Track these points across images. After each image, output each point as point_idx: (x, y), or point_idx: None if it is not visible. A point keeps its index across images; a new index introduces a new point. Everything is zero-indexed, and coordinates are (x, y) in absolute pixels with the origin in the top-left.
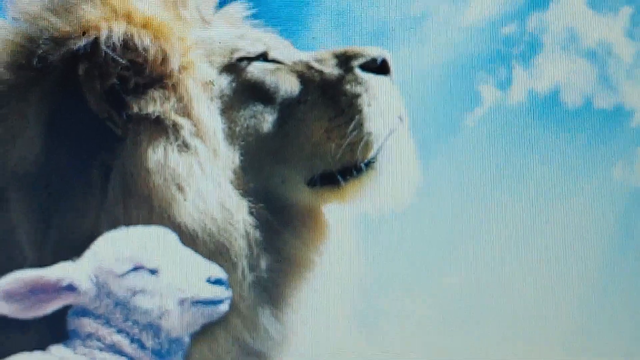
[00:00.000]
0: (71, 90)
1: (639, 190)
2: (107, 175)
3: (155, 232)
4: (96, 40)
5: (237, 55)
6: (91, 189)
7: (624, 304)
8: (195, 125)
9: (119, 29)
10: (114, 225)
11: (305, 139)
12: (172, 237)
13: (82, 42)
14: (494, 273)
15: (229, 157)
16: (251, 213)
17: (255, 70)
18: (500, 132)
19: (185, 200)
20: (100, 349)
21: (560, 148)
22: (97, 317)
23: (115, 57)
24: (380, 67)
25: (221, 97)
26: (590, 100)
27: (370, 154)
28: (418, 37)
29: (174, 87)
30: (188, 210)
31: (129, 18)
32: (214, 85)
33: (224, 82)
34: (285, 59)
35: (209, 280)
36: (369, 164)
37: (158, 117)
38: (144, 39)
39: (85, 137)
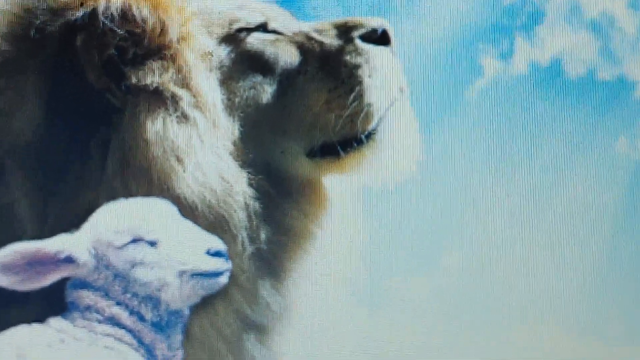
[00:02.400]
0: (69, 61)
1: None
2: (105, 147)
3: (154, 204)
4: (94, 11)
5: (236, 26)
6: (90, 161)
7: (628, 281)
8: (194, 97)
9: (116, 0)
10: (113, 197)
11: (305, 110)
12: (171, 209)
13: (80, 12)
14: (496, 249)
15: (228, 129)
16: (251, 184)
17: (255, 41)
18: (502, 103)
19: (184, 171)
20: (99, 321)
21: (563, 120)
22: (96, 289)
23: (113, 27)
24: (380, 38)
25: (220, 68)
26: (592, 72)
27: (371, 126)
28: (419, 8)
29: (173, 58)
30: (187, 182)
31: None
32: (212, 56)
33: (223, 53)
34: (285, 29)
35: (208, 252)
36: (369, 136)
37: (157, 88)
38: (142, 10)
39: (84, 108)
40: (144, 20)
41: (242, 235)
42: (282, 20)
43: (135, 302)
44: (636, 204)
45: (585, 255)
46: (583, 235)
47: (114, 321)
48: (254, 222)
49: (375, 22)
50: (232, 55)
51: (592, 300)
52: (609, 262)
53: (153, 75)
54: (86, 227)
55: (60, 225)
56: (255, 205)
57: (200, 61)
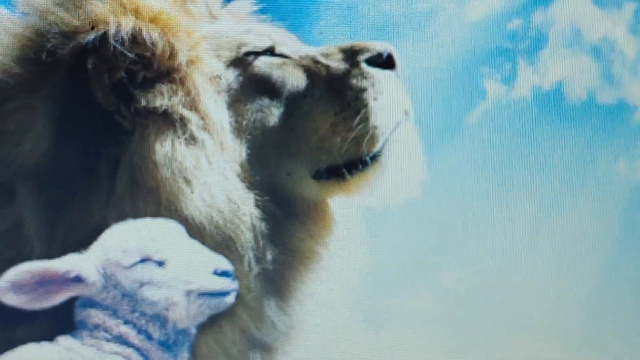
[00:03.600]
0: (80, 84)
1: None
2: (115, 168)
3: (162, 224)
4: (105, 35)
5: (244, 50)
6: (99, 182)
7: (626, 299)
8: (202, 119)
9: (127, 24)
10: (121, 217)
11: (311, 133)
12: (179, 229)
13: (91, 36)
14: (498, 268)
15: (236, 151)
16: (257, 206)
17: (262, 64)
18: (504, 127)
19: (192, 193)
20: (107, 340)
21: (564, 143)
22: (104, 308)
23: (123, 51)
24: (386, 62)
25: (228, 91)
26: (593, 96)
27: (376, 148)
28: (424, 32)
29: (182, 81)
30: (195, 203)
31: (137, 13)
32: (221, 79)
33: (231, 76)
34: (292, 53)
35: (215, 272)
36: (374, 158)
37: (166, 111)
38: (152, 34)
39: (94, 130)
40: (153, 44)
41: (249, 255)
42: (289, 44)
43: (143, 321)
44: (636, 224)
45: (585, 274)
46: (583, 255)
47: (122, 340)
48: (261, 243)
49: (380, 46)
50: (240, 78)
51: (592, 318)
52: (609, 280)
53: (162, 98)
54: (95, 247)
55: (69, 245)
56: (261, 226)
57: (209, 84)
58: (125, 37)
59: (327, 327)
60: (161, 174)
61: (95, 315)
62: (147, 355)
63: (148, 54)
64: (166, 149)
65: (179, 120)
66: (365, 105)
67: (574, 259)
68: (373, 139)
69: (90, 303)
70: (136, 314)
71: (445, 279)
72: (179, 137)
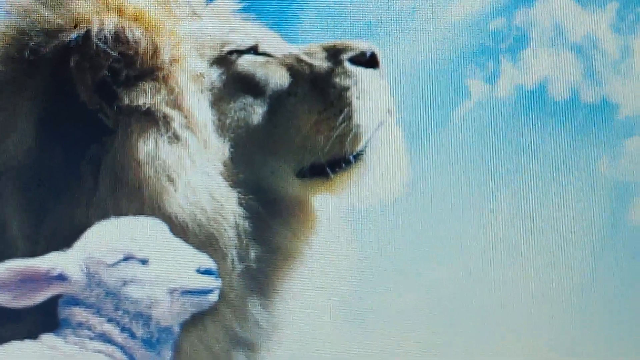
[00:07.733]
0: (63, 82)
1: (623, 183)
2: (98, 167)
3: (145, 222)
4: (88, 33)
5: (227, 48)
6: (82, 180)
7: (608, 297)
8: (185, 117)
9: (110, 22)
10: (104, 216)
11: (295, 131)
12: (162, 227)
13: (74, 34)
14: (482, 267)
15: (219, 149)
16: (241, 204)
17: (246, 63)
18: (487, 125)
19: (175, 191)
20: (91, 338)
21: (547, 141)
22: (87, 306)
23: (106, 49)
24: (369, 61)
25: (211, 89)
26: (576, 94)
27: (359, 147)
28: (407, 31)
29: (165, 80)
30: (178, 201)
31: (120, 11)
32: (204, 77)
33: (214, 74)
34: (275, 52)
35: (198, 270)
36: (357, 157)
37: (149, 109)
38: (135, 32)
39: (77, 129)
40: (136, 42)
41: (232, 253)
42: (273, 42)
43: (127, 319)
44: (617, 223)
45: (568, 273)
46: (566, 253)
47: (105, 338)
48: (244, 241)
49: (364, 45)
50: (223, 77)
51: (576, 314)
52: (591, 279)
53: (145, 96)
54: (78, 245)
55: (53, 243)
56: (245, 224)
57: (192, 82)
58: (108, 35)
59: (310, 325)
60: (144, 172)
61: (79, 314)
62: (130, 353)
63: (131, 52)
64: (149, 147)
65: (162, 119)
66: (349, 104)
67: (557, 257)
68: (356, 138)
69: (74, 301)
70: (119, 312)
71: (430, 277)
72: (162, 136)
